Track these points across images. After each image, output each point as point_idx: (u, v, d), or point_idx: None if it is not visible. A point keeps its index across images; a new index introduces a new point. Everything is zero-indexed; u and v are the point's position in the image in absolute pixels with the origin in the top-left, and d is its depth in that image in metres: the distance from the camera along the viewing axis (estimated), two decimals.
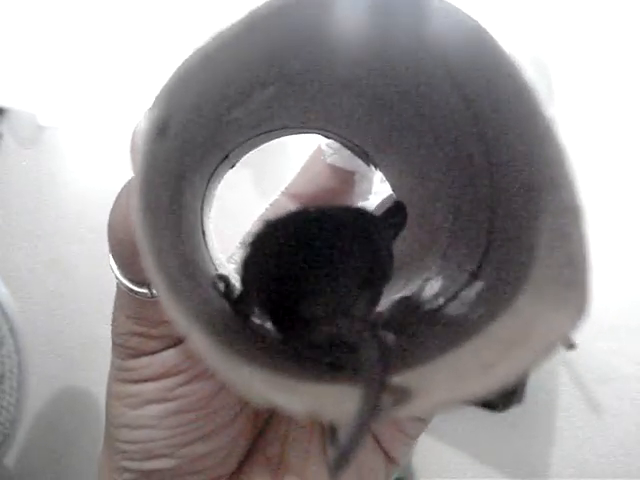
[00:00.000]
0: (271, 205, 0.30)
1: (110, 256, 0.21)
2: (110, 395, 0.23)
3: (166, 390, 0.22)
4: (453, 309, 0.21)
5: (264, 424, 0.26)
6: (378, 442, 0.24)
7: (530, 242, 0.16)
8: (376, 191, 0.29)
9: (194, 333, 0.14)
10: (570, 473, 0.68)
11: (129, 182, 0.20)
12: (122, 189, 0.20)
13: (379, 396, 0.14)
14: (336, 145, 0.28)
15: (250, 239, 0.21)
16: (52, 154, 0.87)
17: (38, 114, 0.86)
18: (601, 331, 0.64)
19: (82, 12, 0.83)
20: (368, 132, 0.26)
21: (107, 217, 0.20)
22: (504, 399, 0.66)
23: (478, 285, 0.21)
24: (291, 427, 0.25)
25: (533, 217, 0.16)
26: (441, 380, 0.16)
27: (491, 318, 0.17)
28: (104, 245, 0.21)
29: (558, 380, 0.68)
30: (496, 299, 0.18)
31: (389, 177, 0.28)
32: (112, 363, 0.24)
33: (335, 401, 0.15)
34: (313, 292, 0.20)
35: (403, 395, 0.15)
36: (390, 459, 0.25)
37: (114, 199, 0.20)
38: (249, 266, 0.21)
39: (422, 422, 0.25)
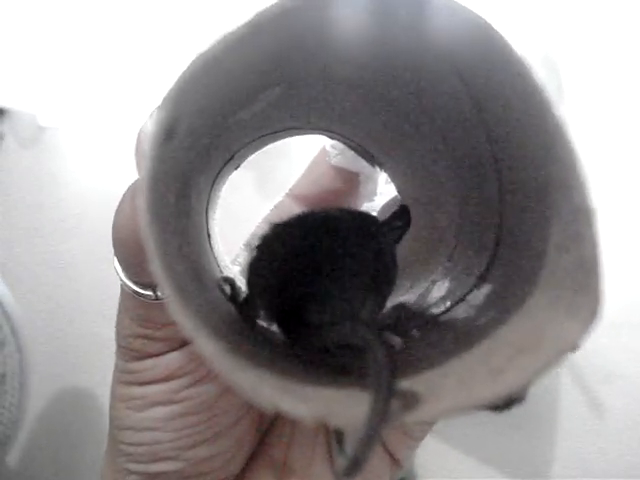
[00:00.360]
0: (275, 207, 0.29)
1: (114, 258, 0.21)
2: (114, 397, 0.23)
3: (171, 392, 0.22)
4: (460, 312, 0.21)
5: (268, 426, 0.26)
6: (383, 445, 0.24)
7: (540, 245, 0.16)
8: (381, 192, 0.29)
9: (201, 337, 0.14)
10: (572, 473, 0.67)
11: (133, 184, 0.20)
12: (126, 191, 0.20)
13: (389, 402, 0.14)
14: (341, 146, 0.28)
15: (256, 242, 0.21)
16: (53, 154, 0.86)
17: (38, 115, 0.86)
18: (604, 328, 0.63)
19: (83, 13, 0.83)
20: (373, 132, 0.26)
21: (108, 217, 0.20)
22: (506, 399, 0.66)
23: (486, 288, 0.21)
24: (295, 429, 0.25)
25: (543, 219, 0.16)
26: (449, 385, 0.16)
27: (500, 322, 0.17)
28: (105, 245, 0.21)
29: (560, 380, 0.68)
30: (505, 303, 0.18)
31: (394, 178, 0.28)
32: (116, 365, 0.23)
33: (343, 406, 0.15)
34: (319, 296, 0.20)
35: (412, 400, 0.15)
36: (394, 461, 0.25)
37: (118, 201, 0.20)
38: (255, 269, 0.21)
39: (427, 424, 0.25)
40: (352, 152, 0.28)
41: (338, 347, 0.19)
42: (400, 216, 0.24)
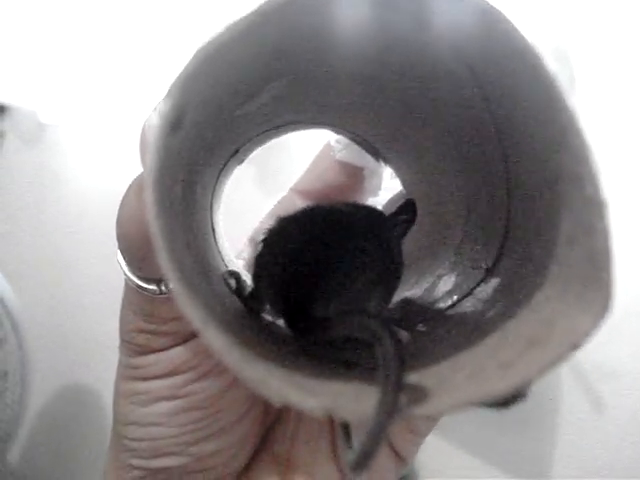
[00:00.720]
0: (279, 202, 0.29)
1: (118, 253, 0.21)
2: (118, 392, 0.23)
3: (175, 387, 0.22)
4: (468, 306, 0.21)
5: (272, 422, 0.26)
6: (388, 442, 0.24)
7: (550, 237, 0.16)
8: (386, 187, 0.29)
9: (209, 330, 0.14)
10: (574, 472, 0.67)
11: (137, 178, 0.19)
12: (130, 185, 0.20)
13: (397, 396, 0.14)
14: (345, 141, 0.28)
15: (262, 236, 0.21)
16: (54, 151, 0.87)
17: (39, 112, 0.86)
18: (605, 324, 0.63)
19: (83, 9, 0.83)
20: (378, 126, 0.26)
21: (109, 214, 0.20)
22: (507, 397, 0.65)
23: (494, 282, 0.20)
24: (300, 426, 0.25)
25: (553, 211, 0.16)
26: (458, 379, 0.15)
27: (509, 316, 0.17)
28: (106, 242, 0.21)
29: (561, 378, 0.68)
30: (514, 296, 0.18)
31: (400, 173, 0.28)
32: (120, 360, 0.23)
33: (351, 399, 0.15)
34: (325, 290, 0.20)
35: (420, 394, 0.15)
36: (400, 458, 0.25)
37: (119, 197, 0.20)
38: (261, 263, 0.21)
39: (432, 420, 0.25)
40: (357, 147, 0.28)
41: (344, 341, 0.18)
42: (406, 210, 0.24)
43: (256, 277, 0.22)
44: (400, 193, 0.28)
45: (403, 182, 0.28)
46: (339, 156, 0.28)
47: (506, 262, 0.20)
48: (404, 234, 0.24)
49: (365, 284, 0.21)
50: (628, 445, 0.66)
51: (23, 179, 0.88)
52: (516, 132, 0.18)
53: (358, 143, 0.28)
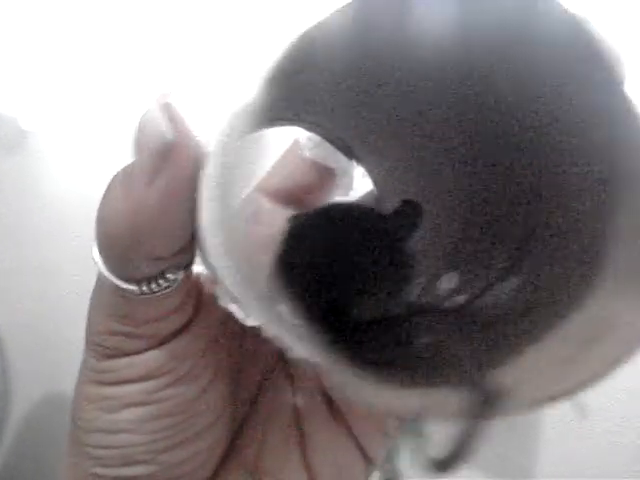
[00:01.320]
0: (243, 200, 0.28)
1: (96, 250, 0.19)
2: (81, 397, 0.22)
3: (147, 393, 0.21)
4: (491, 303, 0.20)
5: (239, 429, 0.25)
6: (357, 442, 0.24)
7: (595, 235, 0.16)
8: (356, 187, 0.28)
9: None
10: (557, 473, 0.68)
11: (124, 169, 0.18)
12: (112, 181, 0.18)
13: (482, 396, 0.14)
14: (317, 139, 0.27)
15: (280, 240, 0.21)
16: (35, 158, 0.85)
17: (20, 118, 0.85)
18: None
19: (63, 15, 0.82)
20: (361, 127, 0.25)
21: (90, 219, 0.19)
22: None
23: (515, 281, 0.20)
24: (267, 430, 0.24)
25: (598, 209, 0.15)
26: (532, 376, 0.15)
27: (560, 316, 0.16)
28: (88, 247, 0.20)
29: None
30: (559, 294, 0.18)
31: (372, 173, 0.28)
32: (84, 363, 0.22)
33: (438, 401, 0.15)
34: (359, 293, 0.20)
35: (502, 393, 0.15)
36: (368, 459, 0.24)
37: (104, 191, 0.18)
38: (286, 264, 0.21)
39: (400, 422, 0.24)
40: (328, 145, 0.27)
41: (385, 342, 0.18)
42: (410, 212, 0.23)
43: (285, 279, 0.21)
44: (370, 193, 0.28)
45: (375, 182, 0.27)
46: (310, 154, 0.27)
47: (533, 261, 0.20)
48: (410, 235, 0.23)
49: (393, 285, 0.20)
50: (613, 448, 0.66)
51: (4, 185, 0.87)
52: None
53: (330, 141, 0.27)
